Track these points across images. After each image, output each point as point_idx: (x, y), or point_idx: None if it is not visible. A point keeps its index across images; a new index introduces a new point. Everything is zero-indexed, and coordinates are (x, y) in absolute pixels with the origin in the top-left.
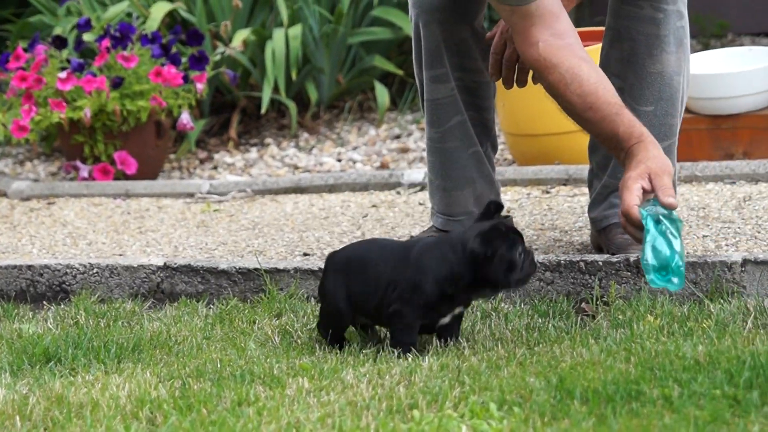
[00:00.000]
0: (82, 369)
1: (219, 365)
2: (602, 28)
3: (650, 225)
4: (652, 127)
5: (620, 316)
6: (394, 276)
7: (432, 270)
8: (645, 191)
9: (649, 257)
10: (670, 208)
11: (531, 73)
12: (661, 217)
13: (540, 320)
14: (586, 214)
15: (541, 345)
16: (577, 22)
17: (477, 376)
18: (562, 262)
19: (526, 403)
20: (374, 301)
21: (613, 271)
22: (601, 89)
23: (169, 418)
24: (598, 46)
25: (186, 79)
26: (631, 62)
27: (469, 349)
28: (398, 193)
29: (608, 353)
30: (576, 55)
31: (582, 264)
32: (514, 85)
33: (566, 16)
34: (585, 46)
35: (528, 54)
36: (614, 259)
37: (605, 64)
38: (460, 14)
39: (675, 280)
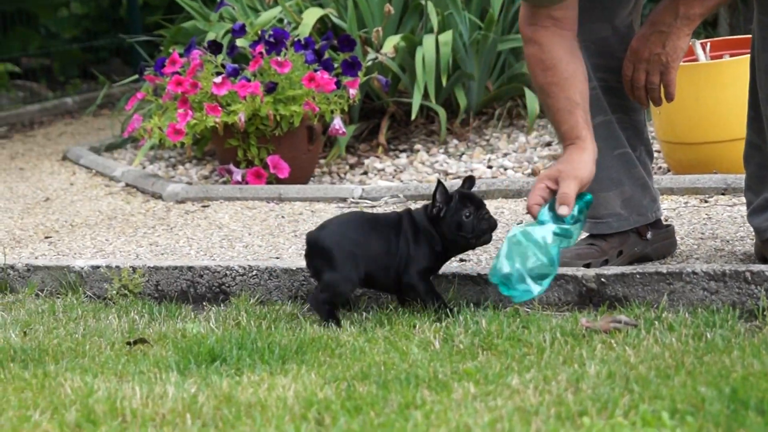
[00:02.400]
0: (248, 369)
1: (383, 368)
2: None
3: (527, 229)
4: None
5: None
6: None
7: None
8: (551, 191)
9: (504, 262)
10: (559, 215)
11: (663, 92)
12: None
13: (706, 330)
14: (747, 224)
15: (709, 355)
16: (732, 30)
17: (646, 385)
18: (727, 271)
19: (699, 412)
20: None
21: None
22: (569, 84)
23: (338, 419)
24: (748, 56)
25: (338, 84)
26: None
27: (635, 357)
28: None
29: None
30: (564, 46)
31: (748, 274)
32: (655, 105)
33: (574, 11)
34: (736, 54)
35: (523, 28)
36: None
37: (752, 74)
38: (598, 13)
39: (515, 291)
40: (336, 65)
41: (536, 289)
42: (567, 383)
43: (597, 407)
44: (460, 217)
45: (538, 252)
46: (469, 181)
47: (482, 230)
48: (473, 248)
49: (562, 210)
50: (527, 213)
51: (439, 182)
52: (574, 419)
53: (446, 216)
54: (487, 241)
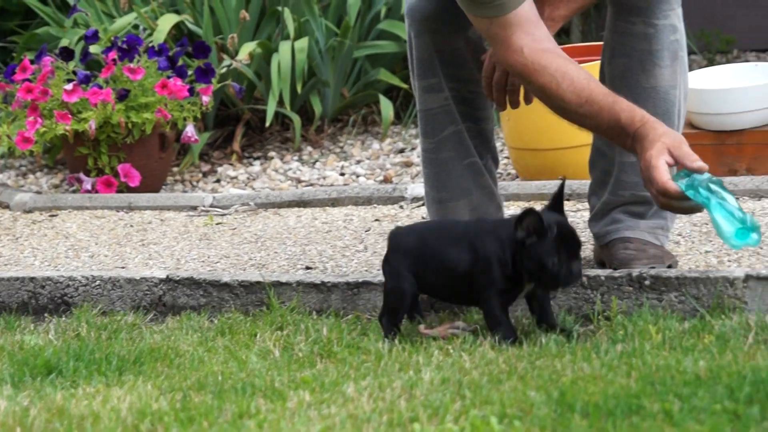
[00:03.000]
0: (84, 381)
1: (220, 378)
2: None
3: (702, 192)
4: None
5: (621, 331)
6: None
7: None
8: (669, 166)
9: (725, 223)
10: (701, 171)
11: (522, 94)
12: (698, 184)
13: (541, 334)
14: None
15: (542, 359)
16: (584, 36)
17: (478, 390)
18: None
19: (526, 416)
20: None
21: (615, 286)
22: (593, 84)
23: (170, 430)
24: (598, 62)
25: (192, 91)
26: (625, 78)
27: (470, 362)
28: (401, 207)
29: (609, 368)
30: (561, 56)
31: (584, 279)
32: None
33: (543, 24)
34: (587, 61)
35: (513, 60)
36: (617, 274)
37: (602, 80)
38: (453, 23)
39: (754, 235)
40: (190, 72)
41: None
42: (401, 390)
43: (428, 413)
44: (546, 261)
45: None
46: (561, 188)
47: (567, 282)
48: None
49: (700, 164)
50: (660, 195)
51: (531, 212)
52: (405, 425)
53: (531, 249)
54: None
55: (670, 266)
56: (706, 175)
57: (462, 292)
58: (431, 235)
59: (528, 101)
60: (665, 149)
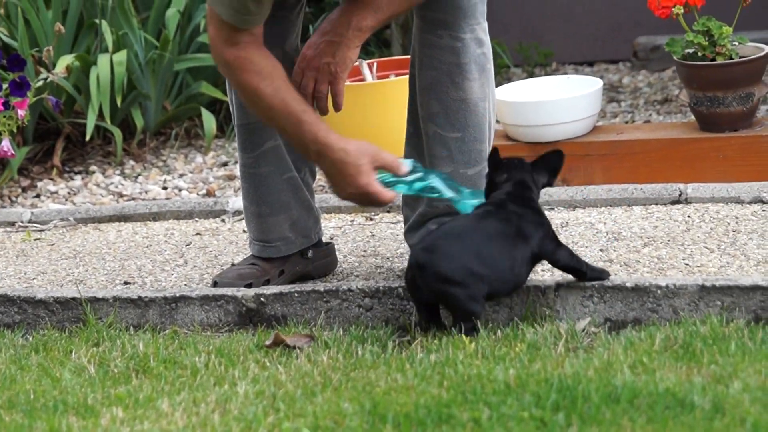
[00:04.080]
0: None
1: (32, 396)
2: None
3: (419, 178)
4: (462, 153)
5: (436, 342)
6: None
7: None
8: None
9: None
10: (404, 173)
11: (330, 101)
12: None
13: (358, 346)
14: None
15: (357, 370)
16: (405, 50)
17: (292, 403)
18: (381, 288)
19: (339, 428)
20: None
21: None
22: (293, 91)
23: None
24: (407, 76)
25: (6, 105)
26: (435, 90)
27: (286, 375)
28: (223, 220)
29: (422, 378)
30: (271, 60)
31: (400, 290)
32: (330, 112)
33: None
34: (405, 74)
35: (227, 52)
36: None
37: (412, 93)
38: (269, 39)
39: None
40: (4, 85)
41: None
42: (215, 404)
43: (241, 427)
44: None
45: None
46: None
47: None
48: None
49: (404, 167)
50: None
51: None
52: None
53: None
54: None
55: None
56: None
57: None
58: None
59: (337, 108)
60: (371, 170)
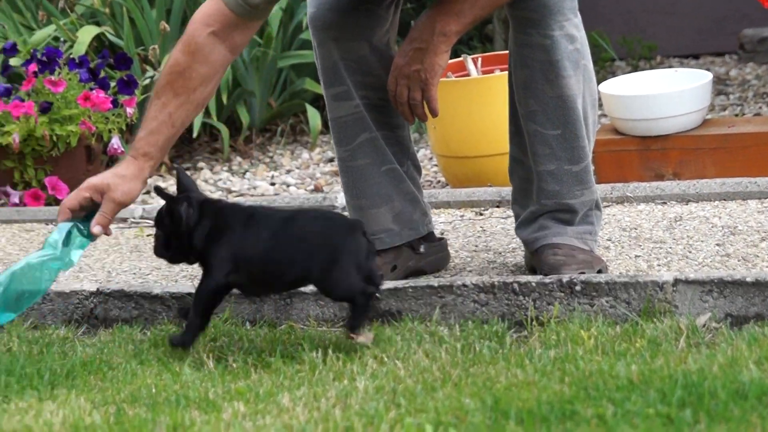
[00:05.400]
0: (15, 396)
1: (154, 390)
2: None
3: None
4: (564, 150)
5: (554, 337)
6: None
7: None
8: (94, 202)
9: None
10: (94, 234)
11: (426, 107)
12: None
13: (475, 342)
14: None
15: (476, 366)
16: (506, 45)
17: (412, 398)
18: (496, 283)
19: (461, 424)
20: None
21: (546, 292)
22: (183, 104)
23: None
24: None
25: (115, 103)
26: (530, 89)
27: (405, 370)
28: None
29: (543, 374)
30: (216, 66)
31: (516, 285)
32: (428, 115)
33: (252, 35)
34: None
35: (197, 24)
36: (547, 280)
37: (511, 91)
38: (355, 31)
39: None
40: (113, 84)
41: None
42: (336, 399)
43: (363, 422)
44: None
45: (31, 283)
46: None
47: None
48: None
49: (96, 230)
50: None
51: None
52: None
53: None
54: None
55: (599, 271)
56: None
57: None
58: None
59: (433, 115)
60: (102, 189)
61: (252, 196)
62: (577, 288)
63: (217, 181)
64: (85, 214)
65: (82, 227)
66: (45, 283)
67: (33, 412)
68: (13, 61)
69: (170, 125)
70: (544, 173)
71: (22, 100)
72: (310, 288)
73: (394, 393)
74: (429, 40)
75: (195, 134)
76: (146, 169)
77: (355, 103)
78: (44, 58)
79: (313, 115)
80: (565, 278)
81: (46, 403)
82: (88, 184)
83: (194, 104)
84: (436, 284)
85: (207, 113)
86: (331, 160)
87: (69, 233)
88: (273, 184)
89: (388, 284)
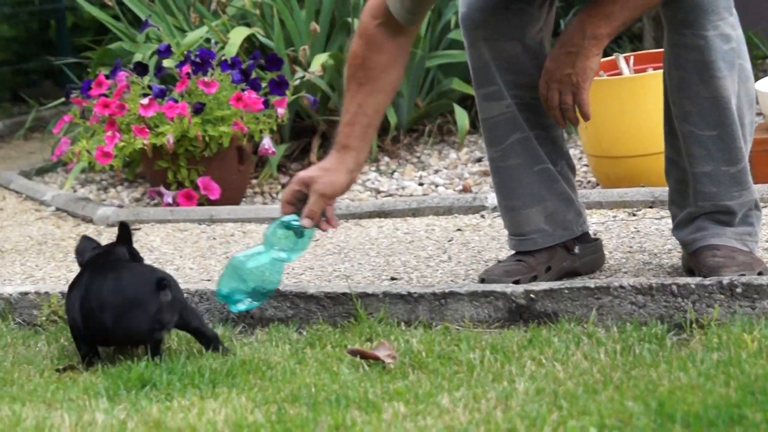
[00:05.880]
0: (178, 394)
1: (314, 390)
2: None
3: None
4: (721, 151)
5: (716, 340)
6: None
7: None
8: (304, 195)
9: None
10: (304, 227)
11: (577, 111)
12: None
13: (634, 344)
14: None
15: (637, 369)
16: (657, 43)
17: (574, 401)
18: (654, 285)
19: (626, 427)
20: None
21: (706, 294)
22: (371, 93)
23: None
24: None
25: (266, 104)
26: (685, 89)
27: (564, 372)
28: (482, 216)
29: (707, 377)
30: (393, 52)
31: (674, 287)
32: (581, 120)
33: (423, 20)
34: (656, 68)
35: (366, 18)
36: (707, 282)
37: (665, 91)
38: (506, 31)
39: (240, 305)
40: (264, 84)
41: (249, 305)
42: (496, 401)
43: (526, 424)
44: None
45: (252, 277)
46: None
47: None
48: None
49: (305, 222)
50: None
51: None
52: None
53: None
54: None
55: (760, 273)
56: (298, 243)
57: None
58: None
59: (585, 119)
60: (307, 182)
61: (401, 196)
62: (738, 290)
63: (366, 182)
64: (302, 207)
65: (300, 221)
66: (276, 277)
67: (196, 411)
68: (167, 63)
69: (363, 115)
70: (700, 175)
71: (176, 101)
72: (465, 289)
73: (555, 395)
74: (580, 43)
75: None
76: (348, 160)
77: (507, 102)
78: (198, 60)
79: (461, 115)
80: (726, 280)
81: (208, 401)
82: (296, 177)
83: (382, 92)
84: (592, 285)
85: None
86: (479, 160)
87: (289, 226)
88: (421, 184)
89: (543, 285)
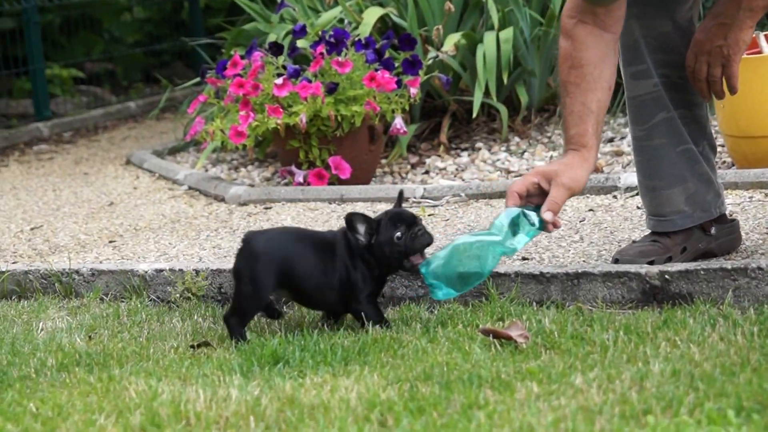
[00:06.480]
0: (310, 371)
1: (446, 369)
2: None
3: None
4: None
5: None
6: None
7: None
8: (541, 189)
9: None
10: (544, 221)
11: (725, 85)
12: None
13: None
14: None
15: None
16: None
17: (711, 382)
18: None
19: (765, 410)
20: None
21: None
22: (589, 89)
23: (401, 420)
24: None
25: (399, 83)
26: None
27: (700, 354)
28: (615, 197)
29: None
30: (600, 49)
31: None
32: (717, 100)
33: (621, 12)
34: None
35: (564, 19)
36: None
37: None
38: (658, 8)
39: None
40: (396, 64)
41: (447, 293)
42: (631, 382)
43: (662, 406)
44: (391, 240)
45: (474, 263)
46: (400, 197)
47: (415, 249)
48: (408, 271)
49: (547, 216)
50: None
51: (353, 214)
52: (638, 418)
53: (378, 242)
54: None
55: None
56: (531, 231)
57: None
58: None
59: (732, 92)
60: (551, 175)
61: None
62: None
63: (496, 161)
64: (530, 201)
65: (528, 215)
66: (489, 266)
67: (328, 388)
68: (300, 43)
69: (588, 111)
70: None
71: (310, 81)
72: (599, 269)
73: (691, 377)
74: (734, 15)
75: (474, 114)
76: (589, 157)
77: (654, 81)
78: (332, 40)
79: None
80: None
81: (341, 378)
82: (536, 170)
83: (599, 86)
84: (729, 267)
85: (487, 93)
86: (611, 140)
87: (516, 219)
88: None
89: (678, 266)
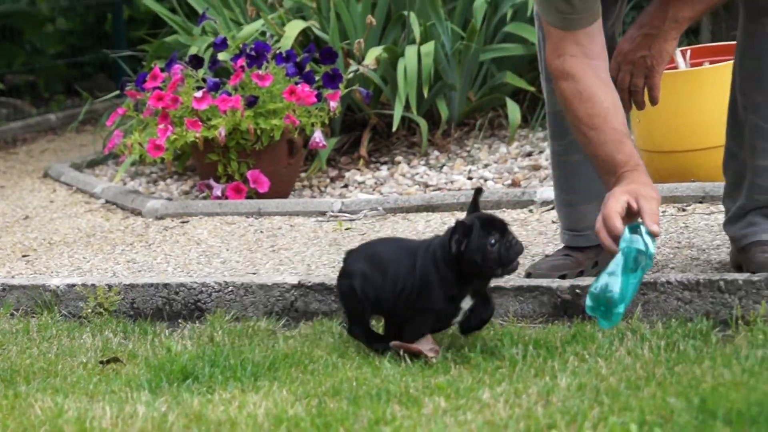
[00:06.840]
0: (219, 387)
1: (355, 384)
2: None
3: (623, 255)
4: None
5: (761, 336)
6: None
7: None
8: (630, 209)
9: (601, 287)
10: (654, 234)
11: (646, 95)
12: (636, 248)
13: (679, 340)
14: (724, 232)
15: (680, 365)
16: (714, 37)
17: (616, 396)
18: (701, 281)
19: (667, 423)
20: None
21: (754, 290)
22: (611, 115)
23: None
24: (728, 63)
25: (319, 97)
26: (755, 80)
27: (607, 368)
28: (531, 211)
29: (751, 374)
30: (598, 76)
31: (722, 283)
32: (647, 104)
33: (602, 38)
34: (717, 61)
35: (551, 63)
36: (755, 278)
37: (734, 81)
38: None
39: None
40: (317, 78)
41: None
42: (537, 396)
43: (566, 420)
44: (484, 248)
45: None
46: (478, 192)
47: (510, 259)
48: (500, 277)
49: (655, 228)
50: (603, 220)
51: (458, 222)
52: None
53: (469, 248)
54: (515, 269)
55: None
56: (650, 248)
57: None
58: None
59: (653, 102)
60: (635, 194)
61: (449, 190)
62: None
63: (415, 175)
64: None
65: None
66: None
67: (237, 404)
68: (221, 56)
69: (622, 134)
70: (760, 168)
71: (229, 95)
72: (510, 283)
73: (596, 391)
74: (659, 26)
75: (395, 128)
76: (645, 170)
77: None
78: (253, 53)
79: (513, 109)
80: None
81: (249, 394)
82: (620, 193)
83: (617, 109)
84: None
85: (407, 107)
86: (529, 154)
87: (637, 229)
88: (470, 178)
89: (589, 281)
